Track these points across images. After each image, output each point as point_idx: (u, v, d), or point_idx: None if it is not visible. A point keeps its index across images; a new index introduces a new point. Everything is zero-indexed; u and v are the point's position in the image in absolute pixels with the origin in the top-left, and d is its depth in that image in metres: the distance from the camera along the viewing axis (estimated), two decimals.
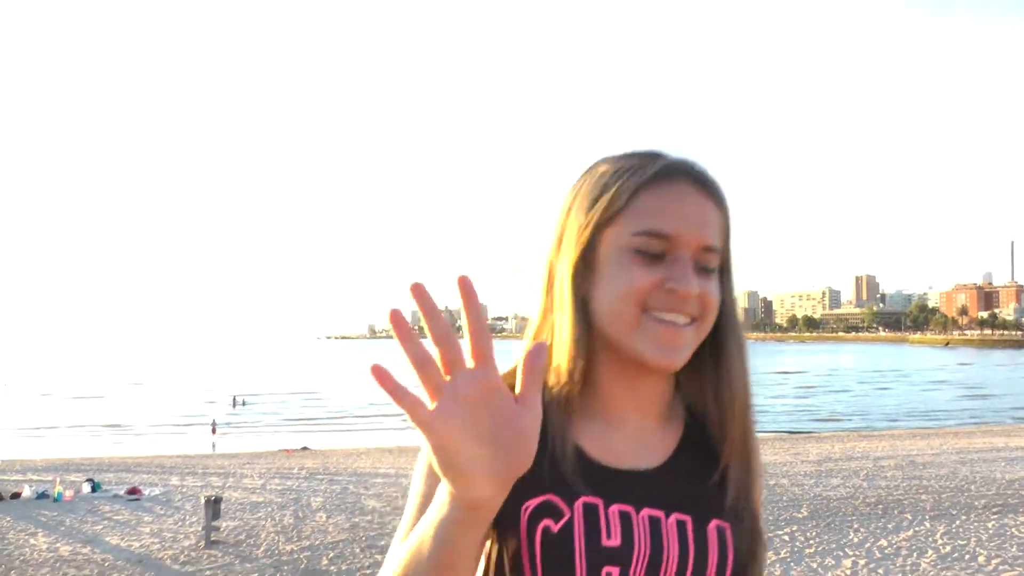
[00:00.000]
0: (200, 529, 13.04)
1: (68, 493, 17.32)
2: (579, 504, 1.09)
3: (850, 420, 42.41)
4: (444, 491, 0.90)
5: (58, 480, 18.66)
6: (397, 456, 25.86)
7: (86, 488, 18.08)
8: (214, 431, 37.13)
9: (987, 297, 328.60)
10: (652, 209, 1.10)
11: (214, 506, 12.66)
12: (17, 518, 15.19)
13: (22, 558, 11.81)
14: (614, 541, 1.07)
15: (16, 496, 17.46)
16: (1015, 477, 15.48)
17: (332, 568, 10.51)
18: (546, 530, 1.07)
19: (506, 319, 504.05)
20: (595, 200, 1.13)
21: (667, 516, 1.11)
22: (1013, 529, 10.93)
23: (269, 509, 15.22)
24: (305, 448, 31.66)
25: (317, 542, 12.13)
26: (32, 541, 13.08)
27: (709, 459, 1.17)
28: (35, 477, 20.51)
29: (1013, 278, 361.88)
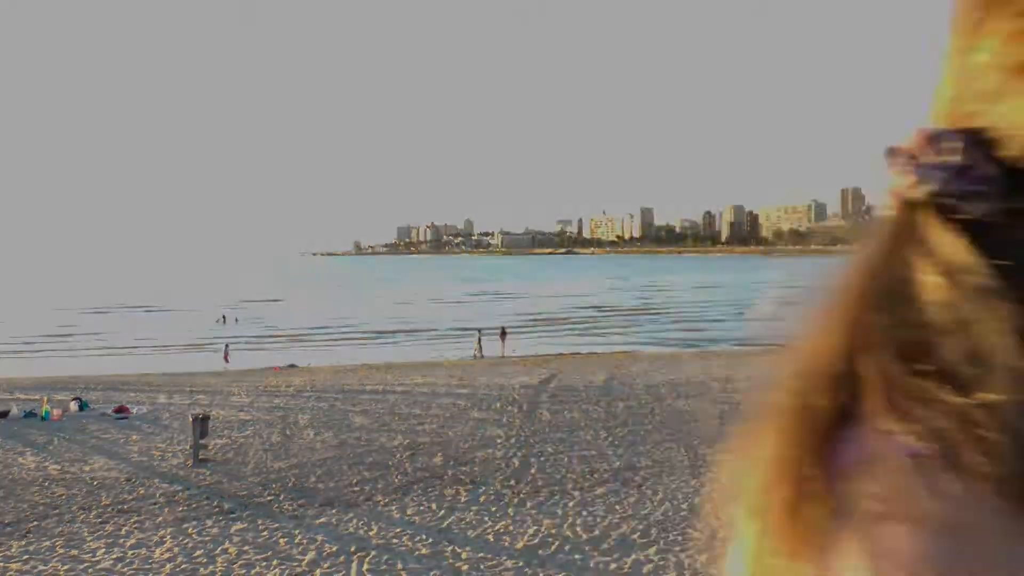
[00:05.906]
0: (188, 447, 13.12)
1: (56, 412, 17.36)
2: None
3: None
4: None
5: (46, 399, 18.69)
6: (384, 372, 25.99)
7: (74, 407, 18.14)
8: (227, 359, 33.60)
9: None
10: None
11: (202, 424, 12.72)
12: (5, 437, 15.25)
13: (11, 477, 11.87)
14: None
15: (4, 415, 17.49)
16: None
17: (320, 485, 10.61)
18: None
19: (491, 234, 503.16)
20: None
21: None
22: None
23: (257, 427, 15.32)
24: (292, 366, 31.81)
25: (305, 459, 12.22)
26: (21, 460, 13.14)
27: None
28: (23, 396, 20.53)
29: None
